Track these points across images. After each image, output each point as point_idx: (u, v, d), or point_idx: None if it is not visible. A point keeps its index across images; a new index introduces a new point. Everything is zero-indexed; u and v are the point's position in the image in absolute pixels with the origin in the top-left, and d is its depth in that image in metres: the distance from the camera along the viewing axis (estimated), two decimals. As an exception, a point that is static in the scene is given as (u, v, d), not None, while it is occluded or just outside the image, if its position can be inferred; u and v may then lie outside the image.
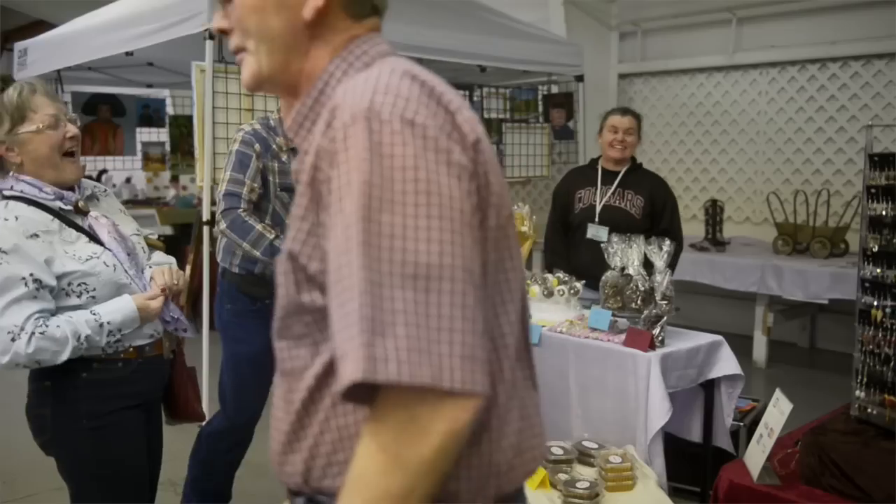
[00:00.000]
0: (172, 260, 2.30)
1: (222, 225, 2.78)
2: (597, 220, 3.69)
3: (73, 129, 2.03)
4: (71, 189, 2.06)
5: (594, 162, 3.89)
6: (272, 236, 2.76)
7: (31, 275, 1.88)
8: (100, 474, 2.05)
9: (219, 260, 3.01)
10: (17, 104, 1.97)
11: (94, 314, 1.96)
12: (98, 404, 2.01)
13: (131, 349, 2.05)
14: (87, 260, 1.97)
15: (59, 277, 1.94)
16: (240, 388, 2.93)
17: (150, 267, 2.16)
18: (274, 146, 2.87)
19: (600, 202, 3.71)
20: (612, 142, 3.72)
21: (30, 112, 1.97)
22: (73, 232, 2.01)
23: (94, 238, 2.04)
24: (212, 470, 3.01)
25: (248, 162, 2.80)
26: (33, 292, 1.89)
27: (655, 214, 3.69)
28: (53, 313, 1.93)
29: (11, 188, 1.99)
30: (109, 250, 2.03)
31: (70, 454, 2.04)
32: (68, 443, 2.02)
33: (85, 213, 2.06)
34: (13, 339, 1.87)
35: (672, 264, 3.67)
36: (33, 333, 1.88)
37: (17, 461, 3.28)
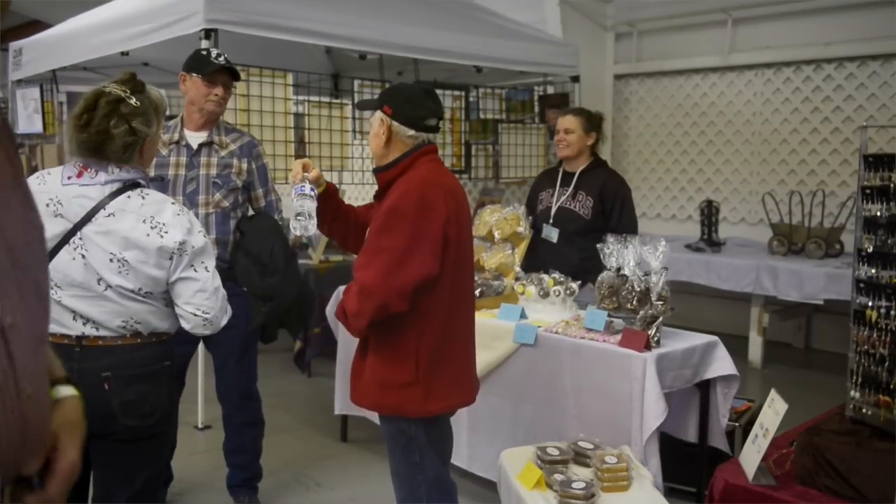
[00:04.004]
0: None
1: None
2: (551, 221, 3.82)
3: None
4: None
5: (560, 164, 4.03)
6: None
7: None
8: (171, 444, 2.38)
9: None
10: (163, 108, 2.05)
11: None
12: (180, 382, 2.32)
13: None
14: None
15: None
16: None
17: None
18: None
19: (556, 204, 3.86)
20: (556, 141, 3.95)
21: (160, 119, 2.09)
22: None
23: None
24: None
25: None
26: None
27: (606, 211, 3.77)
28: None
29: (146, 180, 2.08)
30: None
31: (169, 429, 2.22)
32: (172, 419, 2.23)
33: None
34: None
35: None
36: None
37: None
